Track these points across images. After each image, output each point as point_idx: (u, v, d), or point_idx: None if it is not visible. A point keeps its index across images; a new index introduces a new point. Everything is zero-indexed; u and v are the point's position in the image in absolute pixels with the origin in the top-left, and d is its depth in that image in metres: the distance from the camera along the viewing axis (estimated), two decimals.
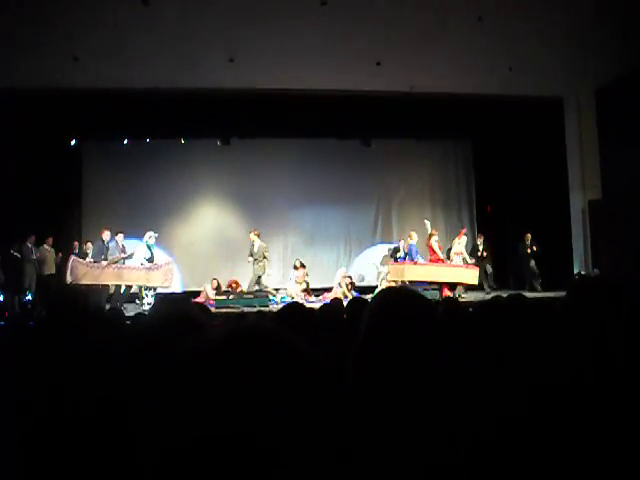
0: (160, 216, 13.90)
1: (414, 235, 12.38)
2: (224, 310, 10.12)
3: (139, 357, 1.70)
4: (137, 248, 11.49)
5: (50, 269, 11.69)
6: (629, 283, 1.52)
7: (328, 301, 5.39)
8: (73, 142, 13.34)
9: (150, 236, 11.47)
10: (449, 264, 12.21)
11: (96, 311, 3.91)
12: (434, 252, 12.08)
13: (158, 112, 12.16)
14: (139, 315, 5.92)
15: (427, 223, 12.34)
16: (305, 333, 2.22)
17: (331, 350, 2.24)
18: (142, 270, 11.11)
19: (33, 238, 11.43)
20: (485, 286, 12.88)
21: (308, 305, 3.33)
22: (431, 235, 12.14)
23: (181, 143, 13.57)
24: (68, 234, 13.18)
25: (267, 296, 11.38)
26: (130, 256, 11.24)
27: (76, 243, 12.47)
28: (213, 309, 10.55)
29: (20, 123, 11.73)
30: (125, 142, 13.55)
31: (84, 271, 10.82)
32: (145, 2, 8.57)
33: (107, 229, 11.35)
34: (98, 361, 1.96)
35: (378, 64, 10.95)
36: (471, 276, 12.27)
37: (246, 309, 9.72)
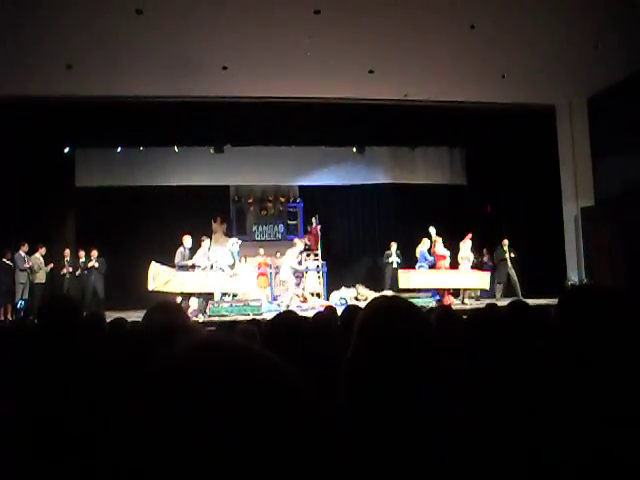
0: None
1: (426, 241, 12.38)
2: (217, 318, 10.08)
3: (129, 367, 1.68)
4: (220, 254, 11.46)
5: (41, 278, 11.62)
6: (621, 289, 1.52)
7: (322, 309, 5.38)
8: (66, 149, 13.30)
9: (234, 243, 11.52)
10: (458, 270, 12.26)
11: (89, 320, 3.88)
12: (439, 256, 12.11)
13: (151, 120, 12.14)
14: (133, 323, 5.88)
15: (432, 230, 12.32)
16: (298, 341, 2.21)
17: (325, 360, 2.23)
18: (225, 277, 11.06)
19: (26, 246, 11.37)
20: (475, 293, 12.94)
21: (301, 313, 3.32)
22: (435, 242, 12.19)
23: (175, 151, 13.55)
24: (61, 242, 13.11)
25: (261, 304, 11.35)
26: (213, 264, 11.16)
27: (67, 251, 12.35)
28: (206, 317, 10.54)
29: (13, 130, 11.69)
30: (119, 150, 13.52)
31: (166, 279, 10.63)
32: (139, 11, 8.57)
33: (188, 234, 10.95)
34: (86, 370, 1.95)
35: (371, 72, 10.98)
36: (481, 281, 12.27)
37: (240, 317, 9.67)
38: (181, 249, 10.80)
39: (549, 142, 13.35)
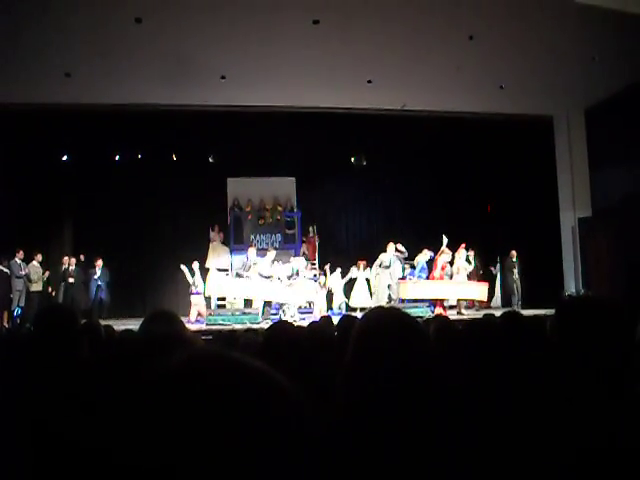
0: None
1: (427, 252, 12.28)
2: (215, 327, 10.04)
3: (124, 375, 1.68)
4: (283, 265, 11.92)
5: (37, 286, 11.55)
6: (618, 300, 1.52)
7: (317, 319, 5.37)
8: (65, 157, 13.28)
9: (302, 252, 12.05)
10: (455, 281, 12.14)
11: (86, 328, 3.86)
12: (436, 269, 12.00)
13: (150, 128, 12.16)
14: (128, 332, 5.85)
15: (444, 239, 12.16)
16: (293, 352, 2.20)
17: (320, 370, 2.22)
18: (282, 287, 11.43)
19: (21, 253, 11.30)
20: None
21: (298, 323, 3.32)
22: (442, 252, 12.05)
23: (173, 159, 13.55)
24: (59, 250, 13.08)
25: (258, 313, 11.31)
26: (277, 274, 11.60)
27: (66, 259, 12.32)
28: (204, 326, 10.51)
29: (11, 138, 11.69)
30: (117, 158, 13.51)
31: (226, 284, 11.38)
32: (138, 19, 8.60)
33: (253, 246, 12.04)
34: (83, 378, 1.94)
35: (369, 82, 11.03)
36: (479, 292, 12.19)
37: (237, 326, 9.64)
38: (244, 259, 11.67)
39: (547, 153, 13.40)
